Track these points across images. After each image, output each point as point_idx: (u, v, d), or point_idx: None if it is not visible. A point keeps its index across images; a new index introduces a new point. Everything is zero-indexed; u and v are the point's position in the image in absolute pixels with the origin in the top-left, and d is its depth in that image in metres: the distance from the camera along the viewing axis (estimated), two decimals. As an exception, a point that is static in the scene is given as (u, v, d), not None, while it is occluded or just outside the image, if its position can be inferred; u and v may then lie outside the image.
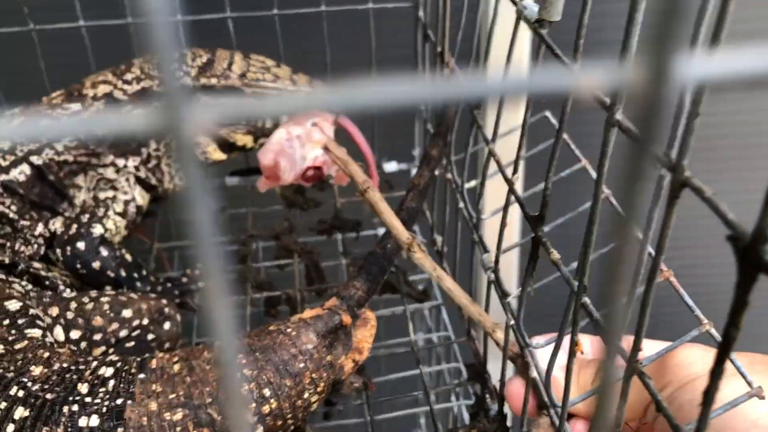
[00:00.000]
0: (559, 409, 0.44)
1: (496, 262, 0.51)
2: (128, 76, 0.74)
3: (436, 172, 0.69)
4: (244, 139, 0.79)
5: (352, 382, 0.63)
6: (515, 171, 0.46)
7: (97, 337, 0.60)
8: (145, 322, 0.62)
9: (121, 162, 0.75)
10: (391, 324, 0.78)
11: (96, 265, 0.70)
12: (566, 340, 0.40)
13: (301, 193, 0.94)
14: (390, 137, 0.99)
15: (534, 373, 0.46)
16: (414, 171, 0.98)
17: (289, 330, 0.56)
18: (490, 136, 0.51)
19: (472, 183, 0.60)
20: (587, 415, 0.45)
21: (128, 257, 0.73)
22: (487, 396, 0.60)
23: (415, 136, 0.96)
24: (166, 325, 0.63)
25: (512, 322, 0.50)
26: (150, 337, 0.62)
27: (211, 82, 0.74)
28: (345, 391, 0.62)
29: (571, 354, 0.36)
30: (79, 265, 0.69)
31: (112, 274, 0.70)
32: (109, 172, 0.75)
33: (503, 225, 0.49)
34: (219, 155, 0.78)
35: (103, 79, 0.75)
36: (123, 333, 0.61)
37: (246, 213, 0.92)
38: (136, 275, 0.73)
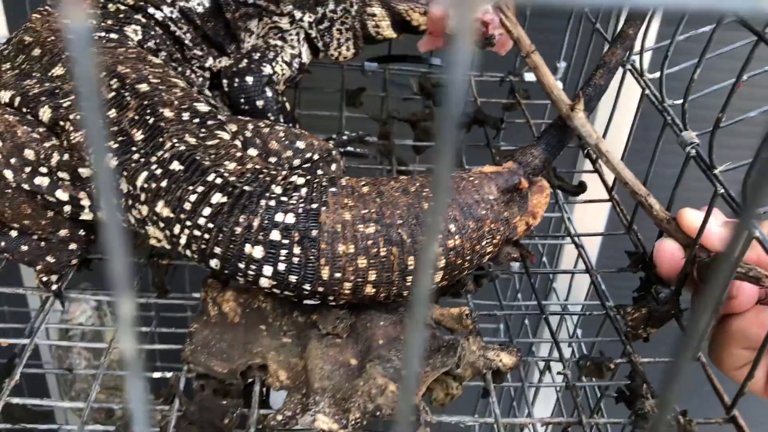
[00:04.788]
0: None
1: (714, 131, 0.49)
2: None
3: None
4: (420, 20, 0.75)
5: (509, 252, 0.62)
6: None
7: (272, 160, 0.60)
8: (316, 157, 0.61)
9: (298, 14, 0.74)
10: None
11: (259, 103, 0.70)
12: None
13: (441, 86, 0.93)
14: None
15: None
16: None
17: (471, 178, 0.55)
18: None
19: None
20: None
21: (288, 105, 0.72)
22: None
23: (563, 48, 0.93)
24: (333, 166, 0.62)
25: (722, 190, 0.49)
26: (319, 172, 0.61)
27: None
28: (501, 260, 0.62)
29: None
30: (243, 100, 0.69)
31: (272, 117, 0.70)
32: (284, 22, 0.74)
33: (735, 86, 0.47)
34: (390, 32, 0.76)
35: None
36: (296, 162, 0.60)
37: (385, 96, 0.91)
38: (291, 125, 0.73)
